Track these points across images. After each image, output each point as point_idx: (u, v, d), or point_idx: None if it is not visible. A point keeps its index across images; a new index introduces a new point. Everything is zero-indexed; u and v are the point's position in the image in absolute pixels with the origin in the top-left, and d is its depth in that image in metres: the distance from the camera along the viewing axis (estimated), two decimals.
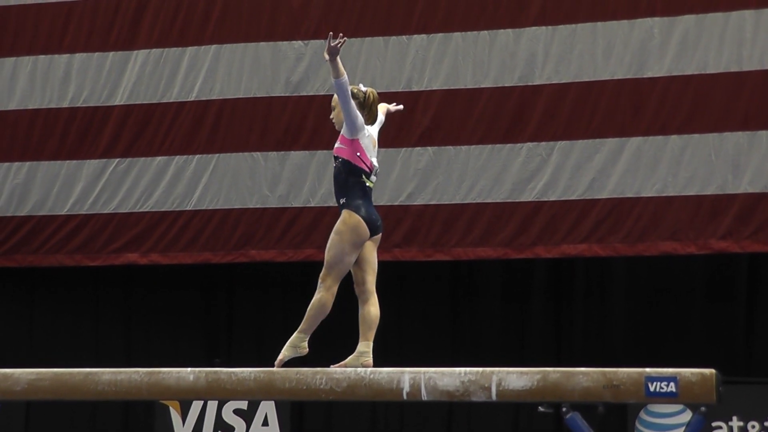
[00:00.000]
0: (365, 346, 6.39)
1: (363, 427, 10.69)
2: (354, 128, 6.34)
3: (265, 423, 10.39)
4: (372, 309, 6.43)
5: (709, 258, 10.04)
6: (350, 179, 6.37)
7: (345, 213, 6.37)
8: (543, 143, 10.02)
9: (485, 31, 10.13)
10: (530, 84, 10.04)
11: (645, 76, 9.87)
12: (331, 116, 6.57)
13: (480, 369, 5.79)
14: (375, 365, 6.22)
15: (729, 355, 10.02)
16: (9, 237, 11.00)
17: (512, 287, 10.63)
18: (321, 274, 6.39)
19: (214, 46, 10.65)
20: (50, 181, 10.92)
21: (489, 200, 10.11)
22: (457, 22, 10.17)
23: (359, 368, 6.08)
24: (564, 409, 5.71)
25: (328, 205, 10.32)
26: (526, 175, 10.04)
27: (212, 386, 6.11)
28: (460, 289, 10.77)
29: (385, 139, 10.28)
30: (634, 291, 10.43)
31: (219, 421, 10.42)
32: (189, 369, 6.16)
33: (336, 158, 6.41)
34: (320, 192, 10.37)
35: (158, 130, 10.78)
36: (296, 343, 6.41)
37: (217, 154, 10.63)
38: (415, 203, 10.23)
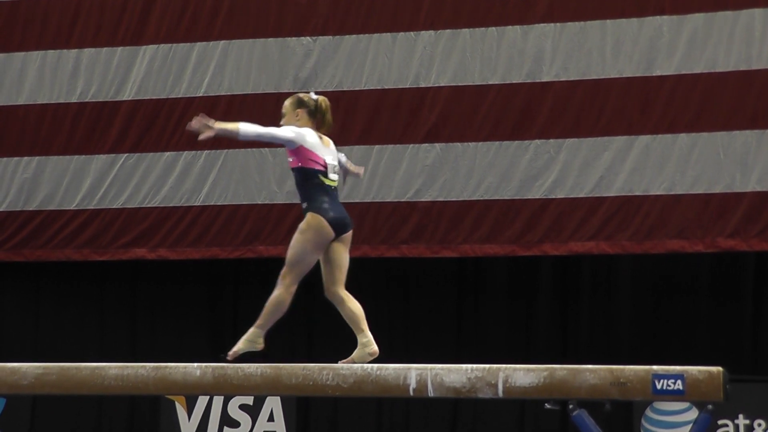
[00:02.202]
0: (364, 337, 6.41)
1: (369, 423, 10.70)
2: (291, 143, 6.39)
3: (271, 418, 10.40)
4: (352, 305, 6.45)
5: (717, 256, 10.02)
6: (308, 183, 6.40)
7: (309, 215, 6.39)
8: (551, 140, 10.02)
9: (493, 28, 10.12)
10: (538, 81, 10.04)
11: (654, 75, 9.86)
12: (281, 122, 6.61)
13: (487, 366, 5.80)
14: (381, 362, 6.22)
15: (736, 352, 10.00)
16: (17, 231, 11.01)
17: (519, 284, 10.62)
18: (282, 272, 6.42)
19: (222, 42, 10.66)
20: (59, 176, 10.94)
21: (496, 197, 10.10)
22: (465, 18, 10.16)
23: (366, 364, 6.08)
24: (570, 407, 5.72)
25: None
26: (533, 172, 10.03)
27: (219, 381, 6.12)
28: (467, 285, 10.76)
29: (393, 135, 10.33)
30: (641, 288, 10.42)
31: (225, 416, 10.44)
32: (195, 364, 6.18)
33: (292, 170, 6.47)
34: None
35: (167, 126, 10.78)
36: (252, 338, 6.45)
37: (225, 150, 10.64)
38: (422, 200, 10.23)
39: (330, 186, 6.43)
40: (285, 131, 6.40)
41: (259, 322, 6.45)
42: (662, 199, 9.79)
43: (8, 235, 11.02)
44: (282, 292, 6.40)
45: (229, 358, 6.35)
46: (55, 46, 10.98)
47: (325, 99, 6.61)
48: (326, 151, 6.48)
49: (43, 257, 11.00)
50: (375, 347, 6.36)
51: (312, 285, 10.89)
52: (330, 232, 6.37)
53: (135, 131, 10.79)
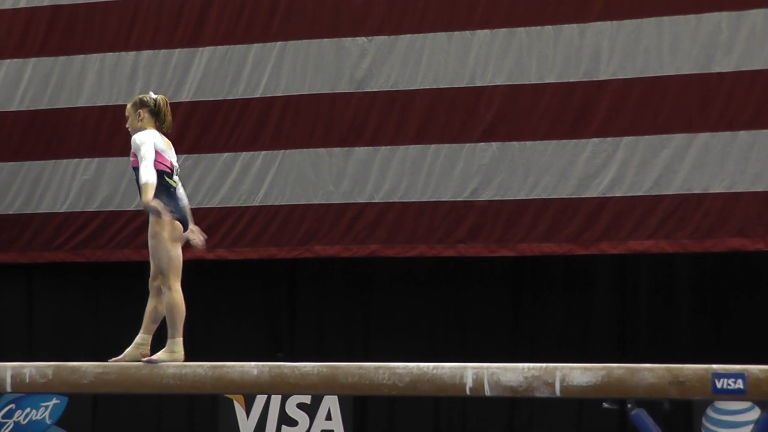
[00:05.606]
0: (144, 339, 6.55)
1: (426, 421, 10.69)
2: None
3: (329, 417, 10.44)
4: (160, 307, 6.58)
5: None
6: None
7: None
8: (608, 139, 9.96)
9: (549, 26, 10.07)
10: (595, 79, 9.98)
11: (712, 71, 9.76)
12: (127, 125, 6.72)
13: (543, 365, 5.77)
14: (438, 360, 6.22)
15: None
16: (78, 232, 11.14)
17: (576, 281, 10.57)
18: (161, 282, 6.51)
19: (278, 43, 10.71)
20: (118, 177, 11.05)
21: (554, 196, 10.06)
22: (521, 17, 10.13)
23: (422, 363, 6.06)
24: (629, 406, 5.67)
25: (392, 201, 10.33)
26: (591, 170, 9.97)
27: (275, 380, 6.15)
28: (523, 283, 10.73)
29: (449, 134, 10.32)
30: (701, 286, 10.32)
31: (282, 415, 10.49)
32: (253, 363, 6.21)
33: (135, 169, 6.53)
34: (384, 187, 10.38)
35: (224, 127, 10.85)
36: (172, 347, 6.47)
37: (282, 150, 10.69)
38: (479, 199, 10.20)
39: (174, 187, 6.57)
40: (148, 153, 6.47)
41: (171, 333, 6.51)
42: (722, 197, 9.69)
43: (69, 235, 11.15)
44: (172, 296, 6.49)
45: (144, 360, 6.44)
46: (113, 48, 11.09)
47: (164, 98, 6.73)
48: (171, 153, 6.62)
49: (103, 258, 11.11)
50: (148, 350, 6.49)
51: (368, 284, 10.97)
52: (179, 226, 6.53)
53: (193, 132, 10.87)
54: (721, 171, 9.71)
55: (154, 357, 6.43)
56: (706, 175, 9.74)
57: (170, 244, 6.49)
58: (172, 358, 6.44)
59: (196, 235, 6.75)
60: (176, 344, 6.49)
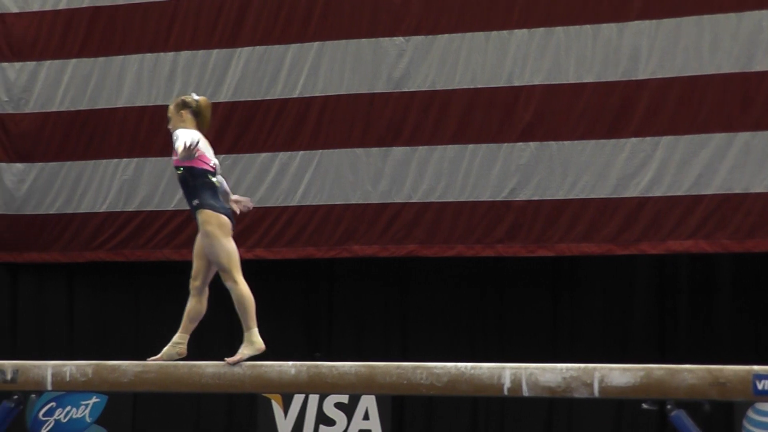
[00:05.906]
0: (182, 338, 6.63)
1: (463, 422, 10.68)
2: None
3: (366, 417, 10.45)
4: (199, 307, 6.65)
5: None
6: (197, 181, 6.54)
7: (204, 213, 6.52)
8: (648, 138, 9.91)
9: (588, 26, 10.03)
10: (634, 79, 9.93)
11: (753, 70, 9.68)
12: (169, 126, 6.74)
13: (582, 365, 5.76)
14: (476, 360, 6.21)
15: None
16: (118, 232, 11.21)
17: (615, 282, 10.52)
18: (224, 279, 6.54)
19: (316, 44, 10.73)
20: (157, 176, 11.11)
21: (593, 196, 10.02)
22: (559, 16, 10.09)
23: (460, 363, 6.06)
24: (668, 407, 5.64)
25: (429, 201, 10.32)
26: (630, 170, 9.93)
27: (313, 380, 6.18)
28: (562, 283, 10.69)
29: (487, 134, 10.30)
30: (741, 286, 10.25)
31: (320, 414, 10.51)
32: (290, 363, 6.25)
33: (177, 168, 6.58)
34: (422, 187, 10.38)
35: (262, 127, 10.89)
36: (250, 339, 6.49)
37: (320, 150, 10.71)
38: (517, 199, 10.18)
39: (217, 186, 6.61)
40: (185, 137, 6.50)
41: (246, 325, 6.54)
42: (763, 197, 9.62)
43: (109, 235, 11.22)
44: (239, 289, 6.51)
45: (228, 361, 6.42)
46: (152, 49, 11.15)
47: (206, 99, 6.79)
48: (211, 153, 6.66)
49: (143, 257, 11.17)
50: (185, 349, 6.61)
51: (406, 284, 10.97)
52: (228, 221, 6.57)
53: (231, 132, 10.91)
54: (762, 170, 9.63)
55: (237, 356, 6.43)
56: (746, 174, 9.67)
57: (224, 240, 6.53)
58: (255, 350, 6.47)
59: (241, 202, 6.87)
60: (253, 335, 6.52)
